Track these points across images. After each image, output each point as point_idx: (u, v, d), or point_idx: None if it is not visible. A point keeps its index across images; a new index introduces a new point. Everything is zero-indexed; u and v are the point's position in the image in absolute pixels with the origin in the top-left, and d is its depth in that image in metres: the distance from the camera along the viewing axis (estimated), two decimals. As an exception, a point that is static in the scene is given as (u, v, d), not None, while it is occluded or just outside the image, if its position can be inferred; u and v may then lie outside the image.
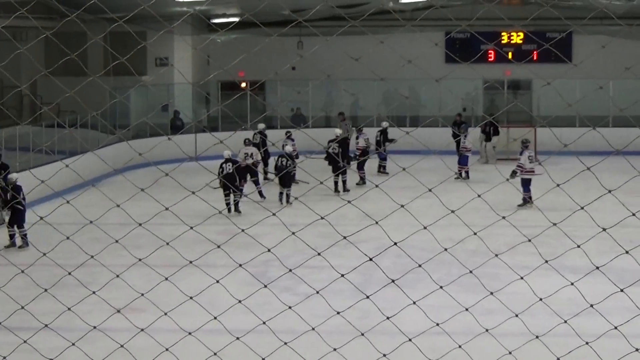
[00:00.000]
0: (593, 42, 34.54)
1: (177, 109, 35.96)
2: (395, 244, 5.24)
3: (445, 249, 5.58)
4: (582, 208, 5.18)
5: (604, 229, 5.14)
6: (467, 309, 5.60)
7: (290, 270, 5.59)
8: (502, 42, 38.67)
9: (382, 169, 30.26)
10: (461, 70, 34.41)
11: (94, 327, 5.92)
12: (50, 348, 6.83)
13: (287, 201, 24.35)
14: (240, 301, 5.54)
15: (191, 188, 5.35)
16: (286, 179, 24.91)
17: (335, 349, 5.49)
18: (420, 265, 5.52)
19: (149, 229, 5.66)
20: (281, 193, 24.74)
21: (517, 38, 38.72)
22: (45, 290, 5.86)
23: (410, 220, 5.72)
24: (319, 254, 5.41)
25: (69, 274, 5.70)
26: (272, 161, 28.56)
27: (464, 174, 28.82)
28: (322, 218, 5.39)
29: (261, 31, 33.64)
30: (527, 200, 23.58)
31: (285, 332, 5.95)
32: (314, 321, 5.50)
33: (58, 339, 6.52)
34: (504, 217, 5.53)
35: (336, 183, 26.68)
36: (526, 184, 23.66)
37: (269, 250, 5.48)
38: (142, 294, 5.80)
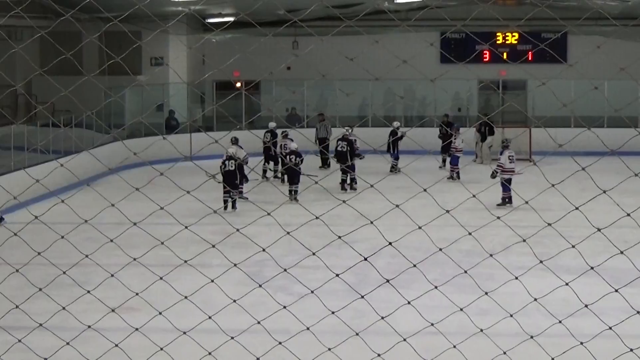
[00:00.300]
0: (588, 42, 34.60)
1: (172, 109, 35.95)
2: (390, 243, 5.24)
3: (440, 249, 5.58)
4: (576, 208, 5.18)
5: (599, 229, 5.14)
6: (461, 309, 5.60)
7: (285, 270, 5.59)
8: (497, 42, 38.71)
9: (393, 169, 30.15)
10: (456, 71, 34.41)
11: (89, 327, 5.91)
12: (45, 347, 6.82)
13: (295, 198, 24.62)
14: (235, 301, 5.54)
15: (186, 188, 5.35)
16: (294, 176, 25.20)
17: (329, 349, 5.50)
18: (415, 265, 5.52)
19: (143, 228, 5.65)
20: (290, 191, 25.01)
21: (512, 38, 38.77)
22: (40, 289, 5.85)
23: (405, 221, 5.73)
24: (313, 253, 5.41)
25: (64, 273, 5.70)
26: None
27: (454, 175, 28.86)
28: (317, 218, 5.39)
29: (256, 31, 33.65)
30: (506, 201, 23.66)
31: (280, 332, 5.95)
32: (308, 321, 5.50)
33: (53, 339, 6.51)
34: (498, 218, 5.53)
35: (344, 181, 26.81)
36: (506, 183, 23.71)
37: (263, 250, 5.48)
38: (137, 294, 5.79)
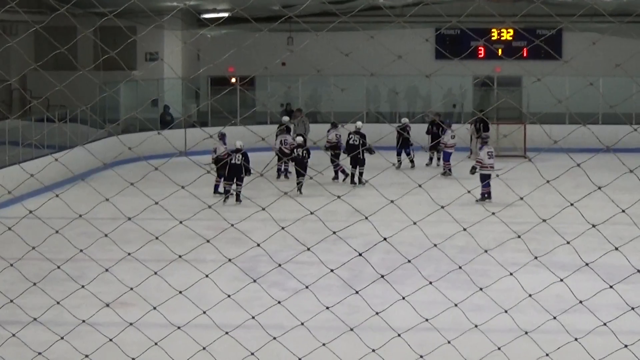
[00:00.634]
0: (583, 39, 34.53)
1: (166, 104, 35.90)
2: (385, 239, 5.24)
3: (435, 245, 5.58)
4: (571, 204, 5.18)
5: (594, 226, 5.14)
6: (456, 305, 5.60)
7: (280, 265, 5.59)
8: (493, 38, 38.69)
9: (412, 163, 30.24)
10: (451, 67, 34.41)
11: (83, 321, 5.90)
12: (39, 342, 6.81)
13: (299, 190, 24.77)
14: (229, 296, 5.54)
15: (181, 183, 5.34)
16: (301, 169, 25.35)
17: (324, 344, 5.50)
18: (409, 261, 5.52)
19: (138, 223, 5.65)
20: (298, 182, 25.29)
21: (507, 35, 38.76)
22: (34, 284, 5.84)
23: (400, 216, 5.72)
24: (308, 249, 5.40)
25: (58, 267, 5.69)
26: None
27: (447, 171, 28.86)
28: (311, 213, 5.39)
29: (251, 26, 33.60)
30: (485, 196, 23.69)
31: (274, 327, 5.94)
32: (303, 316, 5.50)
33: (47, 333, 6.50)
34: (493, 213, 5.53)
35: (353, 175, 26.84)
36: (485, 179, 23.75)
37: (258, 245, 5.48)
38: (131, 289, 5.79)
